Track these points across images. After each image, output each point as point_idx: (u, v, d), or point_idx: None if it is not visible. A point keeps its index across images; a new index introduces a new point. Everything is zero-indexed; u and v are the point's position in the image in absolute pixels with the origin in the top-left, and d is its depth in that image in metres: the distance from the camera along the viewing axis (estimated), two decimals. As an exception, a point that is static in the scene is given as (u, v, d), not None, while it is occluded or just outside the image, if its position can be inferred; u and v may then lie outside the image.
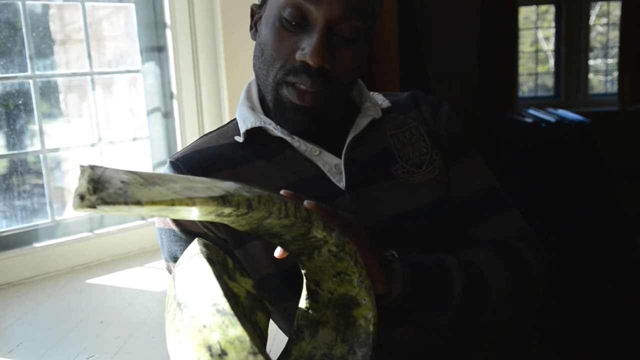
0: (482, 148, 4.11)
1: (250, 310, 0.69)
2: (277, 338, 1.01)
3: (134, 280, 1.45)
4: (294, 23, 0.77)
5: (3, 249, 1.51)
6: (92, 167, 0.53)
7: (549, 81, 4.89)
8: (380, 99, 0.94)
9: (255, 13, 0.87)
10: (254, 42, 0.87)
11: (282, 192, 0.68)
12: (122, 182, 0.52)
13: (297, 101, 0.79)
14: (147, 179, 0.55)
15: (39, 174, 1.66)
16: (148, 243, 1.68)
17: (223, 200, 0.55)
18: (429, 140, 0.90)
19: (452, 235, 0.88)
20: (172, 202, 0.52)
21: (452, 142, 0.92)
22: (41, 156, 1.62)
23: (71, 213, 1.68)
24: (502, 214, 0.89)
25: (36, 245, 1.55)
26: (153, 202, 0.51)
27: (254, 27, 0.87)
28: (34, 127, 1.62)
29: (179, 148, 1.76)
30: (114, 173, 0.54)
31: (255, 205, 0.58)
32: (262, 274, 0.83)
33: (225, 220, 0.60)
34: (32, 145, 1.64)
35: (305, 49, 0.77)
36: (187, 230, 0.82)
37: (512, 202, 0.92)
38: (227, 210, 0.56)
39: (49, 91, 1.69)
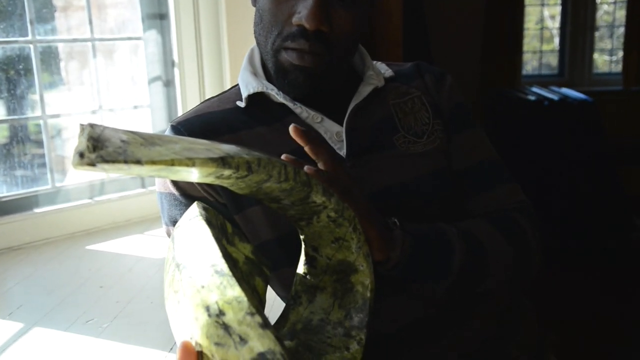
0: (485, 125, 4.10)
1: (248, 275, 0.70)
2: (275, 305, 1.02)
3: (133, 247, 1.46)
4: None
5: (4, 214, 1.52)
6: (92, 126, 0.52)
7: (554, 60, 4.85)
8: (384, 68, 0.94)
9: None
10: (254, 9, 0.86)
11: (283, 156, 0.68)
12: (122, 141, 0.52)
13: (298, 62, 0.79)
14: (147, 139, 0.54)
15: (39, 140, 1.66)
16: (148, 211, 1.69)
17: (223, 161, 0.55)
18: (431, 110, 0.90)
19: (451, 205, 0.88)
20: (172, 162, 0.52)
21: (454, 113, 0.92)
22: (42, 122, 1.62)
23: (72, 179, 1.68)
24: (502, 186, 0.89)
25: (36, 210, 1.56)
26: (152, 162, 0.51)
27: None
28: (35, 93, 1.61)
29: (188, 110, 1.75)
30: (114, 132, 0.54)
31: (255, 168, 0.58)
32: (261, 239, 0.83)
33: (224, 183, 0.60)
34: (33, 112, 1.64)
35: (302, 12, 0.76)
36: (187, 194, 0.82)
37: (511, 174, 0.92)
38: (226, 172, 0.56)
39: (49, 58, 1.68)
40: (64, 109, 1.70)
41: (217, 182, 0.60)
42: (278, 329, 0.72)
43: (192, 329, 0.57)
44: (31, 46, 1.58)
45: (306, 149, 0.69)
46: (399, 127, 0.87)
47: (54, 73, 1.73)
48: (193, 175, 0.56)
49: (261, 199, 0.67)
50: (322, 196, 0.64)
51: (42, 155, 1.65)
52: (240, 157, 0.57)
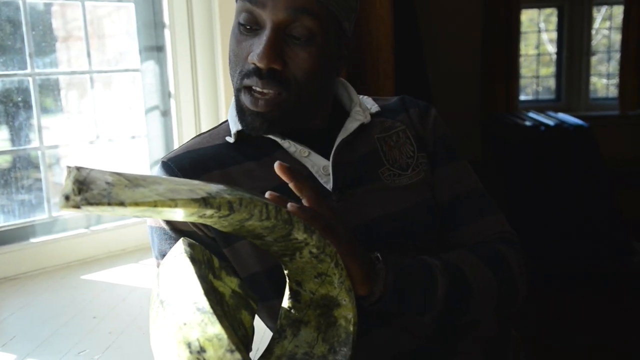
0: (483, 151, 4.12)
1: (235, 309, 0.71)
2: (265, 336, 1.02)
3: (128, 276, 1.47)
4: (248, 27, 0.80)
5: (0, 244, 1.53)
6: (78, 169, 0.54)
7: (552, 84, 4.89)
8: (370, 103, 0.96)
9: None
10: None
11: (267, 194, 0.70)
12: (107, 183, 0.54)
13: (252, 106, 0.81)
14: (132, 181, 0.56)
15: (37, 170, 1.68)
16: (143, 240, 1.70)
17: (205, 202, 0.57)
18: (416, 144, 0.92)
19: (437, 237, 0.89)
20: (155, 204, 0.54)
21: (438, 146, 0.94)
22: (39, 153, 1.64)
23: (68, 209, 1.70)
24: (486, 217, 0.91)
25: (33, 240, 1.57)
26: (136, 203, 0.53)
27: None
28: (33, 123, 1.64)
29: (176, 147, 1.77)
30: (100, 174, 0.55)
31: (236, 207, 0.59)
32: (250, 272, 0.84)
33: (207, 222, 0.62)
34: (31, 142, 1.66)
35: (254, 51, 0.79)
36: (177, 229, 0.84)
37: (496, 205, 0.94)
38: (208, 212, 0.58)
39: (49, 88, 1.72)
40: (63, 138, 1.73)
41: (201, 221, 0.62)
42: (263, 363, 0.73)
43: (175, 365, 0.58)
44: (30, 79, 1.61)
45: (290, 185, 0.71)
46: (384, 160, 0.89)
47: (54, 103, 1.76)
48: (177, 215, 0.58)
49: (245, 236, 0.68)
50: (303, 233, 0.65)
51: (40, 184, 1.67)
52: (222, 197, 0.58)
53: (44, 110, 1.72)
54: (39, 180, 1.67)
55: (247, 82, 0.80)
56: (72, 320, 1.23)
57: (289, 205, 0.68)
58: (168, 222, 0.84)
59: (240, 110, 0.83)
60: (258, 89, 0.80)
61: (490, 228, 0.91)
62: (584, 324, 2.54)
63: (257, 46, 0.78)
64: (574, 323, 2.56)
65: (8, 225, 1.57)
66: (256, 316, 0.88)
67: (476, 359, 0.87)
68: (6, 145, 1.66)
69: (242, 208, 0.60)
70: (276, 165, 0.71)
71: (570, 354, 2.29)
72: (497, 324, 0.92)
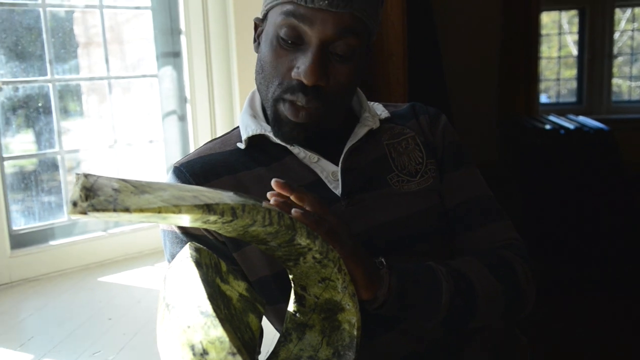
0: (500, 154, 4.10)
1: (242, 312, 0.72)
2: (276, 339, 1.03)
3: (143, 279, 1.50)
4: (290, 42, 0.81)
5: (20, 246, 1.57)
6: (86, 176, 0.56)
7: (575, 87, 4.84)
8: (380, 109, 0.97)
9: (258, 26, 0.91)
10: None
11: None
12: (114, 189, 0.56)
13: (293, 118, 0.83)
14: (138, 187, 0.58)
15: (57, 174, 1.72)
16: (159, 244, 1.73)
17: (208, 208, 0.58)
18: (425, 150, 0.92)
19: (443, 243, 0.90)
20: (159, 210, 0.55)
21: (447, 152, 0.94)
22: (59, 157, 1.68)
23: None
24: (493, 224, 0.91)
25: (52, 242, 1.61)
26: (141, 210, 0.54)
27: (257, 39, 0.91)
28: (53, 128, 1.67)
29: (192, 151, 1.80)
30: (107, 181, 0.57)
31: (239, 213, 0.61)
32: (258, 276, 0.86)
33: (212, 227, 0.64)
34: (51, 147, 1.70)
35: (300, 68, 0.80)
36: (188, 233, 0.86)
37: (504, 212, 0.94)
38: (212, 218, 0.59)
39: (70, 93, 1.75)
40: (83, 143, 1.76)
41: (205, 226, 0.63)
42: (268, 366, 0.75)
43: (179, 367, 0.60)
44: (50, 85, 1.65)
45: (292, 198, 0.72)
46: (392, 166, 0.90)
47: (75, 108, 1.80)
48: (181, 220, 0.59)
49: (250, 241, 0.70)
50: (306, 239, 0.66)
51: (59, 188, 1.71)
52: (225, 204, 0.60)
53: (66, 114, 1.76)
54: (59, 183, 1.71)
55: (290, 96, 0.82)
56: (88, 322, 1.26)
57: (292, 211, 0.70)
58: (180, 226, 0.86)
59: (277, 119, 0.85)
60: (301, 103, 0.81)
61: (497, 234, 0.91)
62: (598, 329, 2.51)
63: (303, 63, 0.80)
64: (587, 328, 2.53)
65: (28, 228, 1.61)
66: (267, 319, 0.90)
67: (483, 364, 0.87)
68: (28, 149, 1.70)
69: (245, 214, 0.61)
70: (273, 182, 0.72)
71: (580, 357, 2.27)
72: (505, 329, 0.92)
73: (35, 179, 1.69)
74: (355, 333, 0.71)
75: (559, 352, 2.32)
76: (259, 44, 0.90)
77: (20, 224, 1.63)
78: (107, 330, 1.21)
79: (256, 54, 0.90)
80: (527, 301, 0.88)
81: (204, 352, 0.57)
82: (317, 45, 0.79)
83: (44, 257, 1.56)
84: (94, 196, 0.54)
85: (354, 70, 0.84)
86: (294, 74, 0.81)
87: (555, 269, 2.85)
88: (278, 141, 0.87)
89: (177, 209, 0.56)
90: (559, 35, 4.84)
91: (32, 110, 1.66)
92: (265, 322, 0.89)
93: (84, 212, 0.53)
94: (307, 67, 0.79)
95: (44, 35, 1.63)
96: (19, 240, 1.58)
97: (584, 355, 2.31)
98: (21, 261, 1.53)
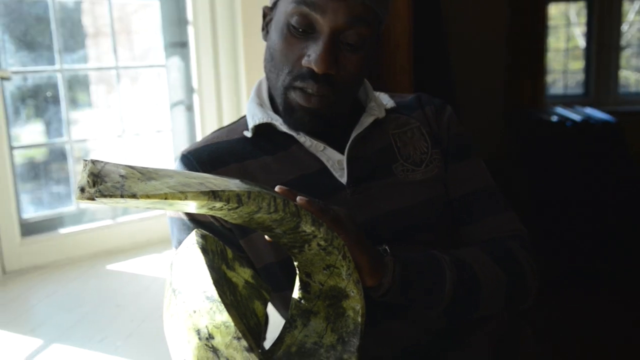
0: (506, 146, 4.09)
1: (248, 299, 0.74)
2: (281, 326, 1.05)
3: (151, 267, 1.51)
4: (300, 30, 0.81)
5: (30, 234, 1.59)
6: (94, 162, 0.57)
7: (583, 79, 4.81)
8: (386, 99, 0.97)
9: (267, 15, 0.91)
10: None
11: (277, 188, 0.72)
12: (121, 176, 0.57)
13: (305, 103, 0.83)
14: (145, 174, 0.59)
15: (66, 163, 1.73)
16: (167, 232, 1.74)
17: (213, 195, 0.59)
18: (430, 140, 0.93)
19: (448, 233, 0.90)
20: (165, 196, 0.56)
21: (452, 143, 0.94)
22: (67, 146, 1.69)
23: (95, 201, 1.75)
24: (497, 215, 0.91)
25: (61, 231, 1.63)
26: (147, 196, 0.55)
27: (265, 28, 0.91)
28: (62, 118, 1.69)
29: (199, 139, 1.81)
30: (114, 168, 0.58)
31: (244, 200, 0.62)
32: (265, 262, 0.86)
33: (218, 214, 0.64)
34: (60, 136, 1.72)
35: (311, 56, 0.80)
36: (195, 220, 0.86)
37: (508, 203, 0.94)
38: (217, 205, 0.60)
39: (78, 83, 1.77)
40: (91, 132, 1.78)
41: (211, 213, 0.64)
42: (274, 352, 0.76)
43: (185, 351, 0.61)
44: (59, 74, 1.66)
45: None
46: (398, 156, 0.90)
47: (83, 98, 1.81)
48: (188, 207, 0.60)
49: (255, 228, 0.71)
50: (311, 226, 0.67)
51: (68, 177, 1.72)
52: (231, 191, 0.61)
53: (75, 104, 1.77)
54: (67, 173, 1.72)
55: (300, 84, 0.82)
56: (96, 308, 1.27)
57: (298, 198, 0.70)
58: (187, 213, 0.86)
59: (289, 107, 0.85)
60: (312, 91, 0.82)
61: (502, 226, 0.91)
62: (605, 323, 2.51)
63: (314, 51, 0.80)
64: (595, 321, 2.53)
65: (38, 216, 1.63)
66: (273, 306, 0.91)
67: (485, 354, 0.88)
68: (38, 139, 1.71)
69: (250, 201, 0.62)
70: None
71: (586, 351, 2.27)
72: (509, 320, 0.93)
73: (45, 169, 1.71)
74: (359, 320, 0.72)
75: (566, 344, 2.33)
76: (267, 32, 0.90)
77: (30, 213, 1.65)
78: (115, 317, 1.23)
79: (263, 44, 0.90)
80: (530, 292, 0.88)
81: (210, 337, 0.58)
82: (328, 33, 0.79)
83: (53, 245, 1.58)
84: (102, 182, 0.55)
85: (364, 59, 0.84)
86: (304, 61, 0.81)
87: (560, 261, 2.84)
88: (284, 130, 0.88)
89: (183, 195, 0.57)
90: (567, 27, 4.81)
91: (41, 100, 1.68)
92: (272, 310, 0.90)
93: (92, 198, 0.54)
94: (318, 55, 0.79)
95: (53, 25, 1.64)
96: (29, 229, 1.60)
97: (591, 348, 2.32)
98: (31, 249, 1.55)
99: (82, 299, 1.33)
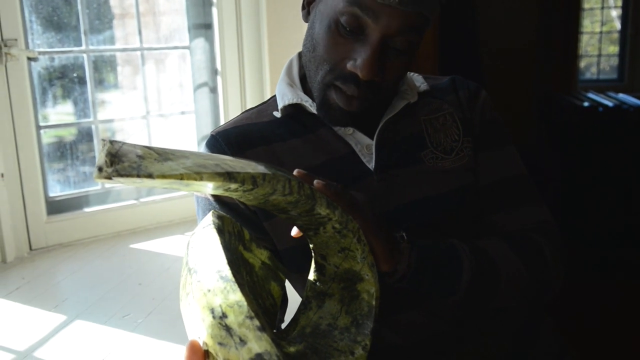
0: (538, 132, 4.02)
1: (264, 280, 0.74)
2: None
3: (173, 247, 1.53)
4: (348, 29, 0.78)
5: (56, 212, 1.62)
6: (111, 142, 0.58)
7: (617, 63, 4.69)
8: (420, 81, 0.94)
9: None
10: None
11: (295, 171, 0.71)
12: (138, 156, 0.57)
13: (345, 106, 0.81)
14: (162, 154, 0.59)
15: (92, 144, 1.76)
16: (189, 213, 1.76)
17: (229, 176, 0.59)
18: (462, 127, 0.90)
19: (474, 222, 0.88)
20: (181, 177, 0.57)
21: (485, 129, 0.92)
22: (93, 127, 1.72)
23: (120, 181, 1.78)
24: (526, 206, 0.89)
25: (86, 210, 1.66)
26: (163, 176, 0.56)
27: (307, 7, 0.88)
28: (88, 98, 1.71)
29: (222, 122, 1.82)
30: (131, 148, 0.59)
31: (259, 182, 0.62)
32: (287, 245, 0.86)
33: (234, 195, 0.65)
34: (86, 117, 1.74)
35: (357, 61, 0.77)
36: (221, 201, 0.86)
37: (538, 194, 0.91)
38: (233, 186, 0.61)
39: (104, 64, 1.78)
40: (117, 113, 1.80)
41: (227, 194, 0.64)
42: (288, 332, 0.76)
43: (200, 329, 0.62)
44: (85, 55, 1.68)
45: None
46: (427, 143, 0.88)
47: (110, 79, 1.83)
48: (204, 187, 0.61)
49: (271, 210, 0.71)
50: (326, 209, 0.67)
51: (94, 158, 1.75)
52: (246, 172, 0.61)
53: (102, 85, 1.79)
54: (93, 152, 1.75)
55: (341, 85, 0.80)
56: (118, 286, 1.30)
57: (315, 181, 0.70)
58: (213, 194, 0.86)
59: (326, 104, 0.83)
60: (353, 94, 0.79)
61: (530, 217, 0.88)
62: (629, 316, 2.47)
63: (360, 55, 0.77)
64: (617, 314, 2.49)
65: (64, 195, 1.66)
66: (293, 288, 0.92)
67: (504, 343, 0.87)
68: (65, 119, 1.74)
69: (265, 183, 0.62)
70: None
71: (608, 343, 2.24)
72: (529, 309, 0.91)
73: (72, 149, 1.74)
74: (373, 303, 0.72)
75: (587, 335, 2.30)
76: (308, 12, 0.86)
77: (56, 191, 1.68)
78: (137, 294, 1.25)
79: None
80: (551, 286, 0.85)
81: (223, 315, 0.59)
82: (377, 39, 0.76)
83: (78, 223, 1.61)
84: (119, 162, 0.55)
85: (409, 62, 0.81)
86: (349, 65, 0.78)
87: (592, 250, 2.80)
88: (313, 111, 0.86)
89: (198, 176, 0.57)
90: (602, 10, 4.69)
91: (67, 81, 1.70)
92: (293, 292, 0.90)
93: (109, 177, 0.54)
94: (364, 61, 0.76)
95: (79, 6, 1.65)
96: (55, 207, 1.63)
97: (614, 340, 2.28)
98: (57, 227, 1.58)
99: (106, 276, 1.35)
